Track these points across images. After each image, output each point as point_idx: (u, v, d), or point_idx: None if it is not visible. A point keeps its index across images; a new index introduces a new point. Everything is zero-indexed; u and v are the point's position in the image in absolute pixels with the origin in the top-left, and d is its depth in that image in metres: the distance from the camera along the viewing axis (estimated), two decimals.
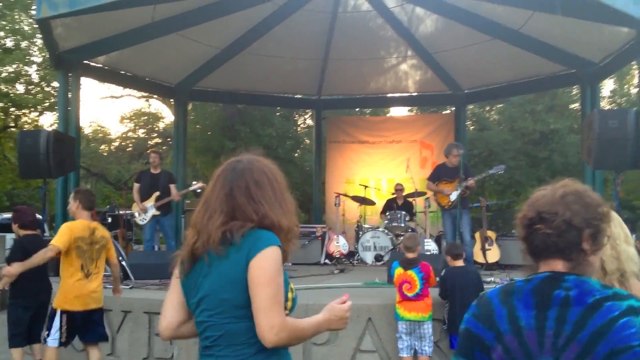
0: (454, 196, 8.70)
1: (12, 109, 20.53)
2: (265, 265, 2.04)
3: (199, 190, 10.27)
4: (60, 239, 5.36)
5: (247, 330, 2.07)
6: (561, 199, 1.77)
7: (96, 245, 5.59)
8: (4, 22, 18.85)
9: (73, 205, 5.65)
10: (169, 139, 24.96)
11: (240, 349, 2.08)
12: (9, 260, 6.04)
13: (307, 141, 23.30)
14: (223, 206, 2.17)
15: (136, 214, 9.72)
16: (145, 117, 27.89)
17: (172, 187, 9.81)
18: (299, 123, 24.54)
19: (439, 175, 9.04)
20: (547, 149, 20.03)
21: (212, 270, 2.12)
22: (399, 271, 5.93)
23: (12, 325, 6.02)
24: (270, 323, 2.01)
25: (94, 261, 5.59)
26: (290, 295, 2.19)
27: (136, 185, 9.83)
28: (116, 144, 28.92)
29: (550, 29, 10.00)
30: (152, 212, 9.58)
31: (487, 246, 9.38)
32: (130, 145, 28.23)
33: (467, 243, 8.62)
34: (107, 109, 76.84)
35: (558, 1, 7.22)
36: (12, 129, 21.90)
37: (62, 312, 5.45)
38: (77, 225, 5.51)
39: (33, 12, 18.54)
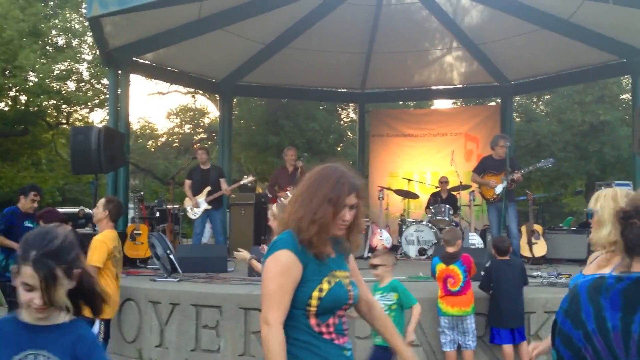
0: (499, 189, 8.59)
1: (63, 106, 21.07)
2: (264, 268, 2.37)
3: (249, 185, 10.43)
4: (97, 257, 5.34)
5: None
6: None
7: (120, 254, 5.71)
8: (56, 21, 19.32)
9: (101, 213, 5.58)
10: (214, 134, 25.26)
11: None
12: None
13: (351, 135, 23.28)
14: None
15: (188, 209, 9.95)
16: (191, 113, 28.28)
17: (222, 181, 9.98)
18: (342, 117, 24.53)
19: (485, 167, 8.93)
20: (597, 141, 19.55)
21: None
22: (440, 267, 5.89)
23: None
24: (262, 317, 2.30)
25: (120, 268, 5.75)
26: (315, 294, 2.33)
27: (187, 182, 10.10)
28: (163, 139, 29.42)
29: (600, 18, 9.77)
30: (204, 206, 9.79)
31: (533, 240, 9.23)
32: (176, 140, 28.68)
33: (514, 236, 8.50)
34: (154, 105, 78.17)
35: None
36: (64, 126, 22.49)
37: (101, 321, 5.43)
38: (110, 237, 5.51)
39: (83, 11, 18.99)
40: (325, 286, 2.34)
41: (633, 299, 1.65)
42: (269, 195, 10.49)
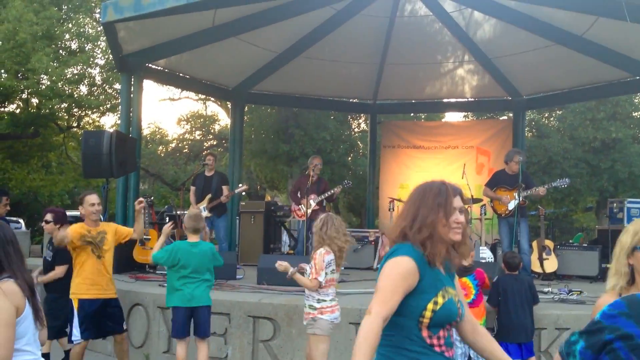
0: (512, 205, 8.54)
1: (75, 110, 21.13)
2: (382, 269, 2.46)
3: (243, 193, 10.40)
4: None
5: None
6: None
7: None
8: (69, 25, 19.42)
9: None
10: (224, 141, 25.31)
11: None
12: (52, 262, 6.28)
13: (361, 145, 23.26)
14: None
15: None
16: (202, 119, 28.33)
17: (225, 188, 9.96)
18: (353, 127, 24.52)
19: (498, 181, 8.88)
20: (609, 158, 19.49)
21: None
22: None
23: (51, 318, 6.20)
24: (368, 308, 2.37)
25: None
26: (430, 306, 2.41)
27: (192, 188, 10.17)
28: (173, 145, 29.48)
29: (614, 35, 9.75)
30: (205, 214, 9.75)
31: (544, 255, 9.17)
32: (186, 146, 28.73)
33: (525, 252, 8.45)
34: (165, 111, 78.40)
35: (627, 7, 7.01)
36: (75, 129, 22.57)
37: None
38: None
39: (97, 16, 19.09)
40: (440, 300, 2.43)
41: None
42: (291, 201, 10.39)
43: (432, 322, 2.41)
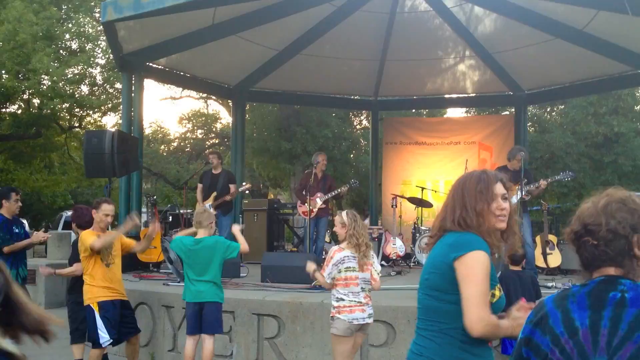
0: (513, 200, 8.51)
1: (76, 110, 21.12)
2: (468, 267, 2.32)
3: (247, 192, 10.40)
4: None
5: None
6: (604, 208, 1.81)
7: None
8: (69, 25, 19.40)
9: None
10: (226, 140, 25.32)
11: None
12: (71, 261, 6.24)
13: (363, 142, 23.24)
14: None
15: None
16: (203, 118, 28.34)
17: (232, 186, 9.96)
18: (355, 124, 24.51)
19: None
20: (612, 152, 19.45)
21: None
22: None
23: (72, 322, 6.18)
24: (477, 316, 2.25)
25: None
26: (497, 292, 2.39)
27: (199, 186, 10.21)
28: (175, 144, 29.50)
29: (615, 28, 9.74)
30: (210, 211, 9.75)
31: (548, 250, 9.17)
32: (188, 145, 28.75)
33: (529, 245, 8.42)
34: (166, 110, 78.47)
35: (627, 0, 6.99)
36: (77, 129, 22.57)
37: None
38: None
39: (97, 15, 19.07)
40: (497, 293, 2.40)
41: (600, 296, 1.73)
42: (297, 199, 10.33)
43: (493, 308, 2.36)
